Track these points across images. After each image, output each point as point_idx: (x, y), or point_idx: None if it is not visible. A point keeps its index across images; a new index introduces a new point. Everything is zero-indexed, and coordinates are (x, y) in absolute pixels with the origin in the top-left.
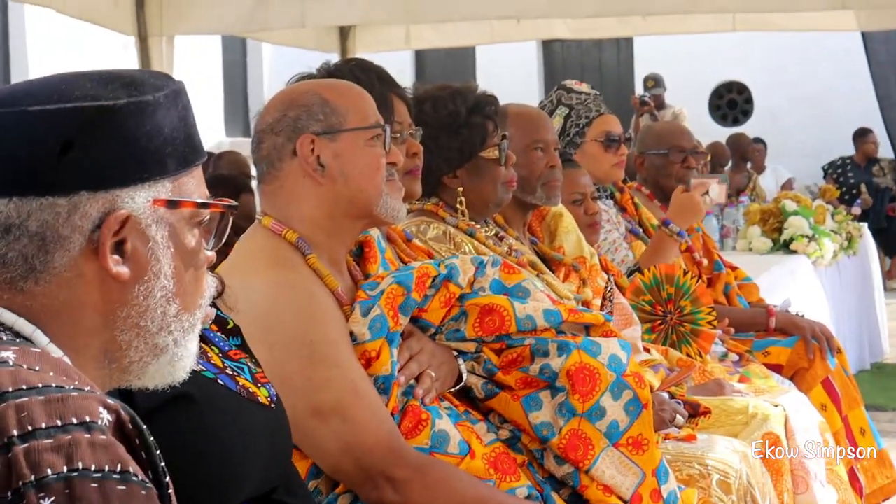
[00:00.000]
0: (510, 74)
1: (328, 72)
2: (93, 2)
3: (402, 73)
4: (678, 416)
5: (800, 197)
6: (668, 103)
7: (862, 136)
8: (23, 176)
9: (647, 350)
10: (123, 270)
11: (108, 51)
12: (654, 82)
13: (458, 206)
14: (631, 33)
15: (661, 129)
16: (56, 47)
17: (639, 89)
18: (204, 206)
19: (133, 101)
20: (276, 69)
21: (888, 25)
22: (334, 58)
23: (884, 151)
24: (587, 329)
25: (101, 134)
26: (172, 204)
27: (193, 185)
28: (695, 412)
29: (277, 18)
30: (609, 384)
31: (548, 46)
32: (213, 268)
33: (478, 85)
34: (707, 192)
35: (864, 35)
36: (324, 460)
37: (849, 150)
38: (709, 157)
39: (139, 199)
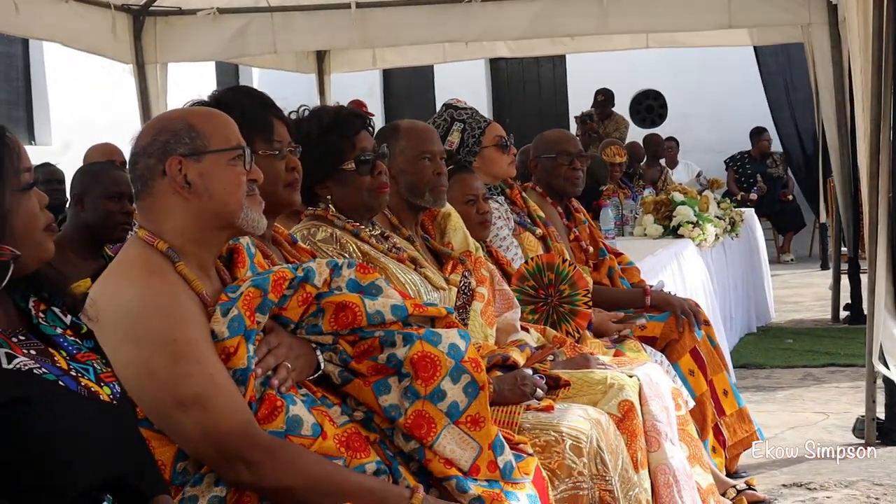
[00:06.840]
0: (463, 87)
1: (216, 98)
2: (95, 34)
3: (373, 88)
4: (538, 389)
5: (686, 189)
6: (615, 111)
7: (757, 134)
8: None
9: (525, 329)
10: None
11: (112, 77)
12: (603, 96)
13: (329, 211)
14: (562, 51)
15: (552, 136)
16: (69, 74)
17: (574, 99)
18: None
19: None
20: (265, 89)
21: (775, 41)
22: (313, 78)
23: (775, 146)
24: (433, 321)
25: None
26: None
27: None
28: (556, 384)
29: (253, 46)
30: (448, 369)
31: (495, 63)
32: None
33: (345, 106)
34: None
35: (756, 49)
36: (187, 445)
37: (746, 145)
38: (625, 157)
39: None
